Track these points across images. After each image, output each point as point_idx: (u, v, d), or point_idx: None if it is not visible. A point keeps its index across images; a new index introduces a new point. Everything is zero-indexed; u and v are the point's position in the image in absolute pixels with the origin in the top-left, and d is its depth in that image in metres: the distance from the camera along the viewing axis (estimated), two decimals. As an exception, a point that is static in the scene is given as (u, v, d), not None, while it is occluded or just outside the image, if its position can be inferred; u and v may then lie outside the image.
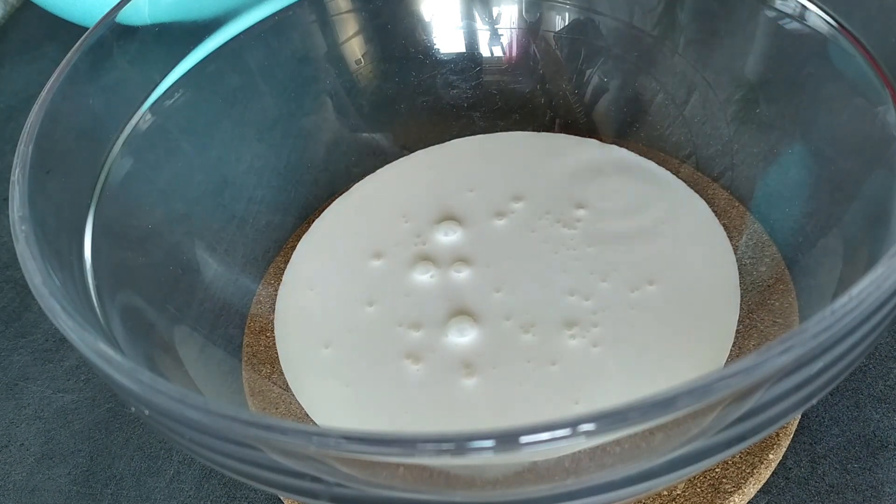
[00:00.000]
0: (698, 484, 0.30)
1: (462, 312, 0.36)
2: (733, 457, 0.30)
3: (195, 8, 0.37)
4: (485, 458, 0.20)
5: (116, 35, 0.34)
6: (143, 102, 0.35)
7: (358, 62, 0.43)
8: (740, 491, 0.30)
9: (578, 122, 0.43)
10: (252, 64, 0.40)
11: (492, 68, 0.44)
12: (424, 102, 0.44)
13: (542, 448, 0.19)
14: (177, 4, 0.36)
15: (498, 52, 0.44)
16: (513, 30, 0.44)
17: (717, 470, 0.30)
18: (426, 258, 0.38)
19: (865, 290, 0.20)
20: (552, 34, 0.43)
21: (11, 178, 0.27)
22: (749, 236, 0.37)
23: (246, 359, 0.36)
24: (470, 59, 0.44)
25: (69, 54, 0.32)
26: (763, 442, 0.31)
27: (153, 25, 0.35)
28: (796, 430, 0.32)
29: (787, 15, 0.35)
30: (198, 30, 0.37)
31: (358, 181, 0.42)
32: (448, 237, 0.39)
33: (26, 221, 0.26)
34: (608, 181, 0.40)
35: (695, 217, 0.38)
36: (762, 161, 0.38)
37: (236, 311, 0.37)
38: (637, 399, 0.18)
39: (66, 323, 0.23)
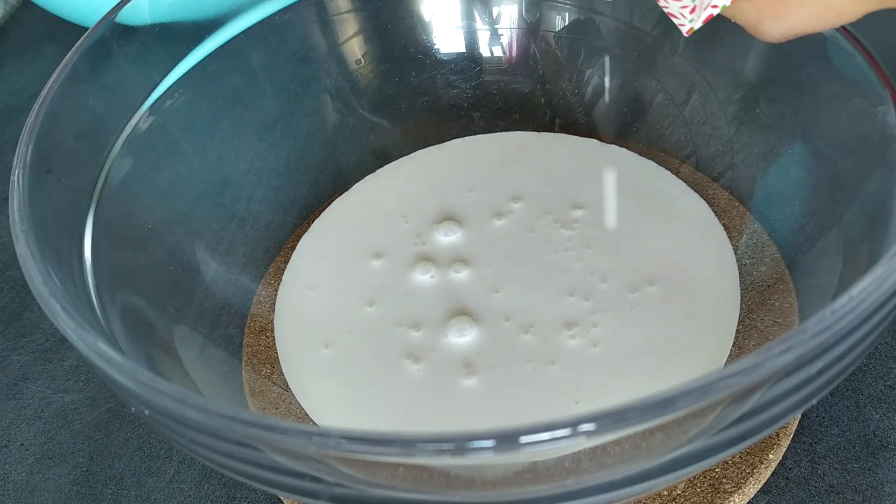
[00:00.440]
0: (698, 484, 0.30)
1: (462, 312, 0.36)
2: (733, 457, 0.30)
3: (195, 8, 0.37)
4: (485, 458, 0.20)
5: (116, 35, 0.34)
6: (143, 102, 0.35)
7: (358, 62, 0.43)
8: (740, 491, 0.30)
9: (578, 122, 0.43)
10: (252, 64, 0.40)
11: (492, 68, 0.44)
12: (424, 102, 0.44)
13: (542, 448, 0.19)
14: (177, 4, 0.36)
15: (498, 52, 0.44)
16: (513, 30, 0.44)
17: (717, 470, 0.30)
18: (426, 258, 0.38)
19: (865, 290, 0.20)
20: (552, 34, 0.43)
21: (11, 178, 0.27)
22: (749, 236, 0.37)
23: (246, 359, 0.36)
24: (470, 59, 0.44)
25: (69, 54, 0.32)
26: (763, 442, 0.31)
27: (153, 25, 0.35)
28: (796, 430, 0.32)
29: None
30: (198, 30, 0.37)
31: (358, 181, 0.42)
32: (448, 237, 0.39)
33: (26, 221, 0.26)
34: (608, 181, 0.40)
35: (695, 217, 0.38)
36: (762, 161, 0.38)
37: (236, 311, 0.37)
38: (637, 399, 0.18)
39: (66, 323, 0.23)
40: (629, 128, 0.42)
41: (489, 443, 0.18)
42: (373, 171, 0.43)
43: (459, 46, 0.44)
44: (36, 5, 0.55)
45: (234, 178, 0.40)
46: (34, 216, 0.26)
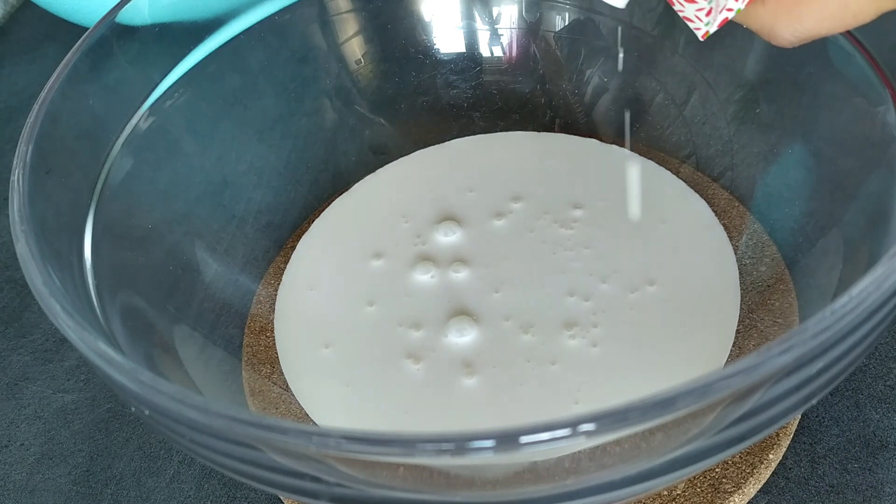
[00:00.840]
0: (698, 484, 0.30)
1: (462, 312, 0.36)
2: (733, 457, 0.30)
3: (195, 8, 0.37)
4: (485, 458, 0.20)
5: (116, 35, 0.34)
6: (143, 102, 0.35)
7: (358, 62, 0.43)
8: (740, 491, 0.30)
9: (578, 122, 0.43)
10: (252, 64, 0.40)
11: (492, 68, 0.44)
12: (424, 102, 0.44)
13: (542, 448, 0.19)
14: (177, 4, 0.36)
15: (498, 52, 0.44)
16: (513, 30, 0.44)
17: (717, 470, 0.30)
18: (426, 258, 0.38)
19: (865, 290, 0.20)
20: (552, 34, 0.43)
21: (11, 178, 0.27)
22: (749, 236, 0.37)
23: (246, 359, 0.36)
24: (470, 59, 0.44)
25: (69, 54, 0.32)
26: (763, 442, 0.31)
27: (153, 25, 0.35)
28: (796, 430, 0.32)
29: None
30: (198, 30, 0.37)
31: (358, 181, 0.42)
32: (448, 237, 0.39)
33: (26, 221, 0.26)
34: (608, 181, 0.40)
35: (695, 217, 0.38)
36: (762, 161, 0.38)
37: (236, 311, 0.37)
38: (637, 399, 0.18)
39: (66, 323, 0.23)
40: (629, 128, 0.42)
41: (489, 443, 0.18)
42: (373, 171, 0.43)
43: (459, 46, 0.44)
44: (36, 5, 0.55)
45: (234, 178, 0.40)
46: (34, 216, 0.26)
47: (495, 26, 0.44)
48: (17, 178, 0.27)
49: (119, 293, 0.30)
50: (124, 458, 0.35)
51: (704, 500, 0.30)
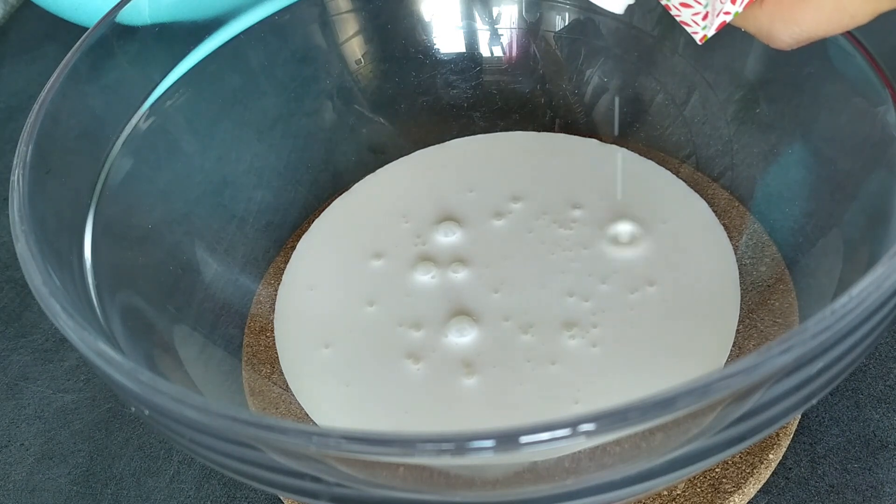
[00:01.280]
0: (698, 484, 0.30)
1: (462, 312, 0.36)
2: (733, 457, 0.30)
3: (195, 8, 0.37)
4: (485, 458, 0.20)
5: (116, 35, 0.34)
6: (143, 102, 0.35)
7: (358, 62, 0.43)
8: (740, 491, 0.30)
9: (578, 122, 0.43)
10: (252, 64, 0.40)
11: (492, 68, 0.44)
12: (424, 102, 0.44)
13: (542, 448, 0.19)
14: (177, 4, 0.36)
15: (498, 52, 0.44)
16: (513, 30, 0.44)
17: (717, 470, 0.30)
18: (426, 258, 0.38)
19: (865, 290, 0.20)
20: (552, 34, 0.43)
21: (11, 178, 0.27)
22: (749, 236, 0.37)
23: (246, 359, 0.36)
24: (470, 59, 0.44)
25: (69, 54, 0.32)
26: (763, 442, 0.31)
27: (153, 25, 0.35)
28: (796, 430, 0.32)
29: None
30: (198, 30, 0.37)
31: (358, 181, 0.42)
32: (447, 238, 0.39)
33: (26, 221, 0.26)
34: (607, 181, 0.40)
35: (695, 217, 0.38)
36: (762, 161, 0.38)
37: (236, 311, 0.37)
38: (637, 399, 0.18)
39: (66, 323, 0.23)
40: (629, 128, 0.42)
41: (489, 443, 0.18)
42: (373, 171, 0.43)
43: (459, 46, 0.44)
44: (36, 5, 0.55)
45: (234, 178, 0.40)
46: (34, 216, 0.26)
47: (495, 26, 0.44)
48: (17, 178, 0.27)
49: (119, 293, 0.30)
50: (124, 458, 0.35)
51: (704, 500, 0.30)
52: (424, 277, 0.37)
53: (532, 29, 0.44)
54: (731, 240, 0.37)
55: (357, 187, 0.42)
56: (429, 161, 0.43)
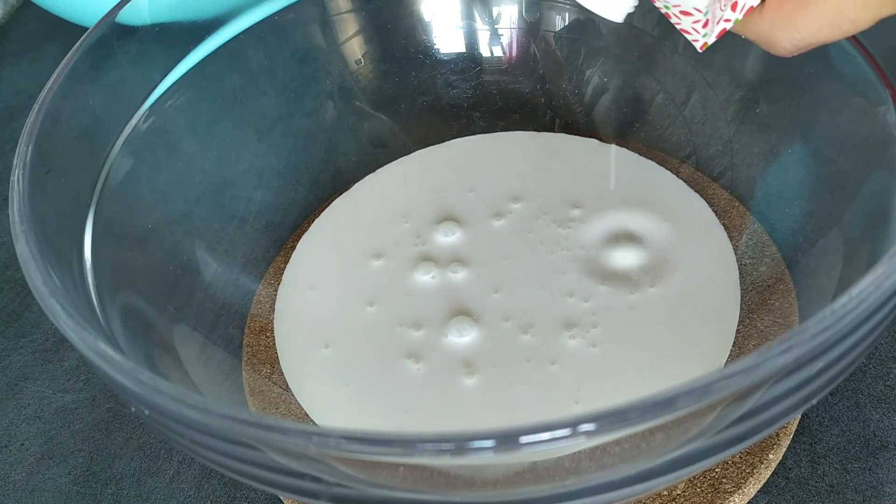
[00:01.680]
0: (698, 484, 0.30)
1: (462, 313, 0.36)
2: (733, 457, 0.30)
3: (195, 8, 0.37)
4: (485, 458, 0.20)
5: (116, 35, 0.34)
6: (143, 102, 0.35)
7: (358, 62, 0.43)
8: (740, 491, 0.30)
9: (578, 122, 0.43)
10: (252, 64, 0.40)
11: (492, 68, 0.44)
12: (424, 102, 0.44)
13: (542, 448, 0.19)
14: (177, 4, 0.36)
15: (498, 52, 0.44)
16: (513, 30, 0.44)
17: (717, 470, 0.30)
18: (426, 258, 0.38)
19: (865, 290, 0.20)
20: (552, 34, 0.43)
21: (11, 178, 0.27)
22: (749, 236, 0.37)
23: (246, 359, 0.36)
24: (470, 59, 0.44)
25: (69, 54, 0.32)
26: (763, 442, 0.31)
27: (153, 25, 0.35)
28: (796, 430, 0.32)
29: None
30: (198, 30, 0.37)
31: (358, 181, 0.42)
32: (447, 238, 0.39)
33: (26, 221, 0.26)
34: (607, 181, 0.40)
35: (695, 217, 0.38)
36: (762, 161, 0.38)
37: (236, 311, 0.37)
38: (637, 399, 0.18)
39: (66, 323, 0.23)
40: (629, 128, 0.42)
41: (489, 443, 0.18)
42: (373, 170, 0.43)
43: (459, 46, 0.44)
44: (36, 5, 0.55)
45: (234, 178, 0.40)
46: (34, 216, 0.26)
47: (495, 26, 0.44)
48: (17, 178, 0.27)
49: (119, 293, 0.30)
50: (124, 458, 0.35)
51: (704, 500, 0.30)
52: (424, 277, 0.37)
53: (532, 29, 0.44)
54: (731, 240, 0.37)
55: (357, 187, 0.42)
56: (429, 161, 0.43)
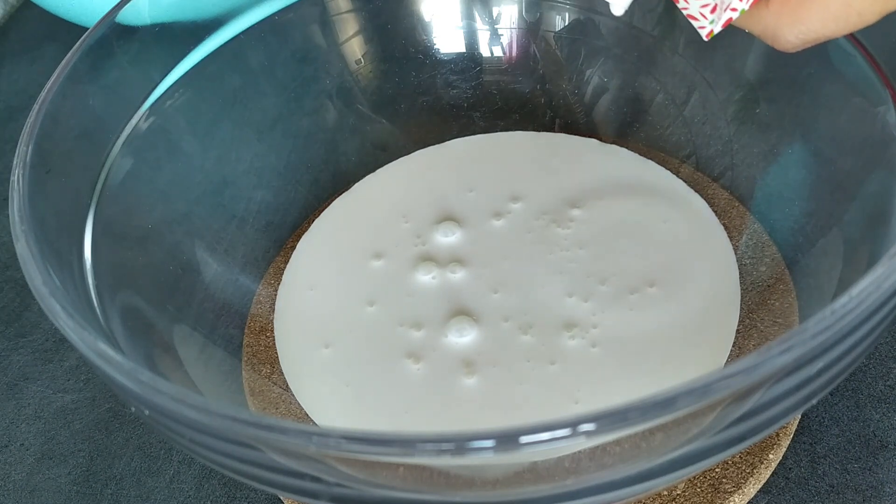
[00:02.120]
0: (698, 484, 0.30)
1: (462, 313, 0.36)
2: (733, 457, 0.30)
3: (195, 8, 0.37)
4: (485, 458, 0.20)
5: (116, 35, 0.34)
6: (143, 102, 0.35)
7: (358, 62, 0.43)
8: (740, 491, 0.30)
9: (578, 122, 0.43)
10: (252, 64, 0.40)
11: (492, 68, 0.44)
12: (424, 102, 0.44)
13: (542, 448, 0.19)
14: (177, 4, 0.36)
15: (498, 52, 0.44)
16: (513, 30, 0.44)
17: (717, 470, 0.30)
18: (426, 258, 0.38)
19: (865, 290, 0.20)
20: (552, 34, 0.43)
21: (11, 178, 0.27)
22: (749, 236, 0.37)
23: (246, 359, 0.36)
24: (470, 59, 0.44)
25: (69, 54, 0.32)
26: (763, 442, 0.31)
27: (153, 25, 0.35)
28: (796, 430, 0.32)
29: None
30: (198, 30, 0.37)
31: (358, 181, 0.42)
32: (447, 238, 0.39)
33: (26, 221, 0.26)
34: (607, 181, 0.40)
35: (695, 217, 0.38)
36: (762, 161, 0.38)
37: (236, 311, 0.37)
38: (637, 399, 0.18)
39: (66, 323, 0.23)
40: (629, 128, 0.42)
41: (489, 443, 0.18)
42: (373, 170, 0.43)
43: (459, 46, 0.44)
44: (36, 5, 0.55)
45: (234, 178, 0.40)
46: (34, 216, 0.26)
47: (495, 26, 0.44)
48: (17, 178, 0.27)
49: (119, 293, 0.30)
50: (124, 458, 0.35)
51: (704, 500, 0.30)
52: (424, 277, 0.37)
53: (532, 29, 0.44)
54: (731, 240, 0.37)
55: (357, 187, 0.42)
56: (429, 161, 0.43)
